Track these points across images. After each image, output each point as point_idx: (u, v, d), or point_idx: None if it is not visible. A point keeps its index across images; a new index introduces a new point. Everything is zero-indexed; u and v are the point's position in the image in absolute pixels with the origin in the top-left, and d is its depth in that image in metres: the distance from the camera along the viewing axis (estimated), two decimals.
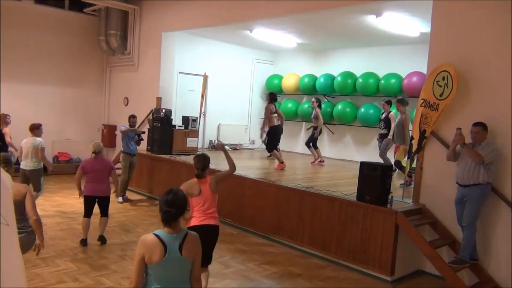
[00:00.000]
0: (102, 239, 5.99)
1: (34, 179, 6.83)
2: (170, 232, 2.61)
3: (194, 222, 4.14)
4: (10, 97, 10.24)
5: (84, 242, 5.85)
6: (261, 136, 9.68)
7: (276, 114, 8.88)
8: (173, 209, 2.59)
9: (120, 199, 8.44)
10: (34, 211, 3.73)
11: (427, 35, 6.19)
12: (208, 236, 4.00)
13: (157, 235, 2.58)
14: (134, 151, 8.62)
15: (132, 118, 8.75)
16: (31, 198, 3.75)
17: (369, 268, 5.56)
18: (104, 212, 6.06)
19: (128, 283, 2.67)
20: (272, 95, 8.95)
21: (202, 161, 4.27)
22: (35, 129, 6.89)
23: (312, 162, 9.84)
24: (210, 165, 4.32)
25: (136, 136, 8.78)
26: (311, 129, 9.88)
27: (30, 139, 6.82)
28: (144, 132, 9.36)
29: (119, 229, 6.77)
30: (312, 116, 9.82)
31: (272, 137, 8.90)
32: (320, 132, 9.76)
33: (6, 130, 8.03)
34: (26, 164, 6.78)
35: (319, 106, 9.80)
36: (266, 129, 9.14)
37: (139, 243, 2.57)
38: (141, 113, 10.39)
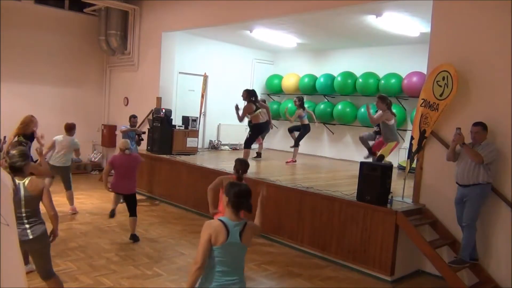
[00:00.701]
0: (134, 238, 6.18)
1: (67, 175, 7.40)
2: (233, 219, 2.88)
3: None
4: (10, 97, 10.25)
5: (112, 213, 6.47)
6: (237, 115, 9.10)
7: (258, 111, 8.55)
8: (244, 199, 2.92)
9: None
10: (52, 206, 3.80)
11: (427, 35, 6.19)
12: None
13: (221, 221, 2.85)
14: (134, 151, 8.61)
15: (132, 118, 8.73)
16: (48, 194, 3.81)
17: (369, 268, 5.56)
18: (132, 212, 6.24)
19: (193, 264, 2.78)
20: (250, 92, 8.62)
21: (244, 165, 4.81)
22: (72, 129, 7.41)
23: (287, 162, 9.60)
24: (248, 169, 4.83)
25: (136, 136, 8.79)
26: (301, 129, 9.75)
27: (68, 138, 7.31)
28: (144, 132, 9.37)
29: (119, 229, 6.77)
30: (298, 116, 9.67)
31: (253, 133, 8.73)
32: (307, 131, 9.69)
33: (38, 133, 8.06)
34: (58, 161, 7.24)
35: (301, 105, 9.60)
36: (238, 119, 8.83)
37: (206, 226, 2.82)
38: (141, 113, 10.39)
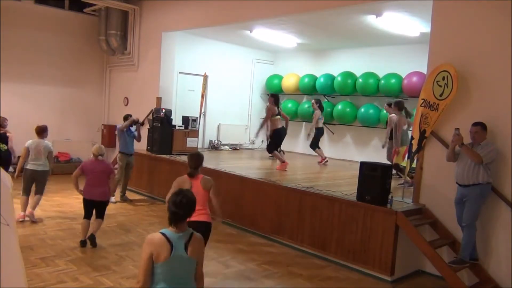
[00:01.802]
0: (92, 238, 5.82)
1: (43, 180, 6.92)
2: (176, 231, 2.67)
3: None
4: (10, 97, 10.25)
5: (83, 244, 5.82)
6: (256, 135, 9.62)
7: (279, 116, 8.71)
8: (181, 210, 2.67)
9: (113, 199, 8.44)
10: None
11: (427, 35, 6.19)
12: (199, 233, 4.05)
13: (163, 234, 2.64)
14: (131, 151, 8.59)
15: (129, 117, 8.70)
16: None
17: (369, 268, 5.56)
18: (100, 215, 6.00)
19: (135, 283, 2.65)
20: (275, 97, 8.80)
21: (196, 159, 4.45)
22: (44, 131, 6.96)
23: (319, 162, 9.83)
24: (203, 164, 4.47)
25: (136, 125, 8.70)
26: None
27: (41, 142, 6.86)
28: (139, 121, 9.00)
29: (119, 229, 6.77)
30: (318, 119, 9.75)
31: (274, 140, 8.81)
32: (320, 134, 9.79)
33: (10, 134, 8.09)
34: (37, 165, 6.81)
35: (320, 107, 9.75)
36: (264, 131, 9.09)
37: (147, 242, 2.62)
38: (141, 113, 10.38)
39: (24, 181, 6.84)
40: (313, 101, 9.85)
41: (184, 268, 2.65)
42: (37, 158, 6.80)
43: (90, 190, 5.89)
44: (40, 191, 6.90)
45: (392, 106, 7.97)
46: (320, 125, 9.78)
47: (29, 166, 6.80)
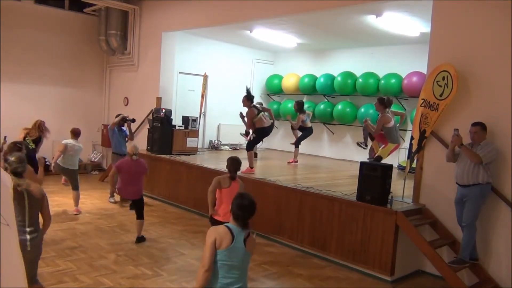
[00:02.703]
0: (139, 240, 6.19)
1: (74, 177, 7.60)
2: (238, 226, 2.95)
3: (221, 217, 4.78)
4: (10, 97, 10.24)
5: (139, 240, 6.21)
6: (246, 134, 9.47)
7: (260, 116, 8.10)
8: (244, 212, 2.96)
9: (112, 199, 8.47)
10: (49, 213, 3.92)
11: (427, 35, 6.19)
12: None
13: (227, 226, 2.94)
14: (123, 151, 8.51)
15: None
16: (47, 201, 3.86)
17: (369, 268, 5.56)
18: (140, 215, 6.24)
19: (201, 267, 2.84)
20: (248, 95, 8.20)
21: (236, 163, 4.95)
22: (79, 134, 7.67)
23: (289, 162, 9.58)
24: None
25: (126, 123, 8.69)
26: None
27: (76, 143, 7.52)
28: (127, 117, 8.91)
29: (119, 229, 6.77)
30: (302, 121, 9.63)
31: (257, 137, 8.37)
32: (309, 133, 9.79)
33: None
34: (68, 164, 7.44)
35: (300, 110, 9.51)
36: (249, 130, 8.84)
37: (211, 230, 2.92)
38: (141, 113, 10.39)
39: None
40: (294, 104, 9.70)
41: (241, 259, 2.92)
42: (70, 156, 7.42)
43: (125, 189, 6.17)
44: (75, 187, 7.57)
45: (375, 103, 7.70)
46: (309, 124, 9.73)
47: (60, 163, 7.39)
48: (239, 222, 2.95)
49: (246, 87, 8.60)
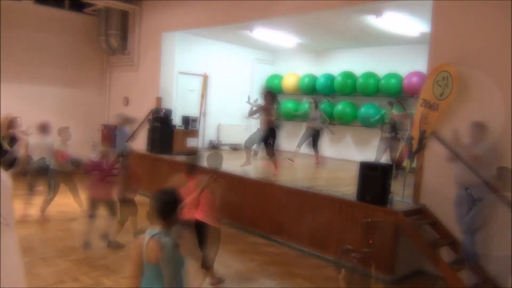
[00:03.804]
0: (110, 244, 6.05)
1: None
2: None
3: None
4: (10, 97, 10.24)
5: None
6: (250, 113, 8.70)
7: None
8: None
9: None
10: None
11: (427, 35, 6.19)
12: None
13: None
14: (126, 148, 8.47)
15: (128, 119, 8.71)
16: None
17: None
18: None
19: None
20: (273, 96, 7.92)
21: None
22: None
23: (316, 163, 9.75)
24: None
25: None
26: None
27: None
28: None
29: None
30: (313, 118, 9.70)
31: (275, 138, 7.89)
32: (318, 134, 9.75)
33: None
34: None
35: (316, 107, 9.70)
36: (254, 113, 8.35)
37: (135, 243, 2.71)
38: (141, 113, 10.39)
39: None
40: (311, 99, 9.82)
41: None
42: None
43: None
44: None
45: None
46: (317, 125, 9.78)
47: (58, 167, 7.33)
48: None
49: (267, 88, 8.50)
